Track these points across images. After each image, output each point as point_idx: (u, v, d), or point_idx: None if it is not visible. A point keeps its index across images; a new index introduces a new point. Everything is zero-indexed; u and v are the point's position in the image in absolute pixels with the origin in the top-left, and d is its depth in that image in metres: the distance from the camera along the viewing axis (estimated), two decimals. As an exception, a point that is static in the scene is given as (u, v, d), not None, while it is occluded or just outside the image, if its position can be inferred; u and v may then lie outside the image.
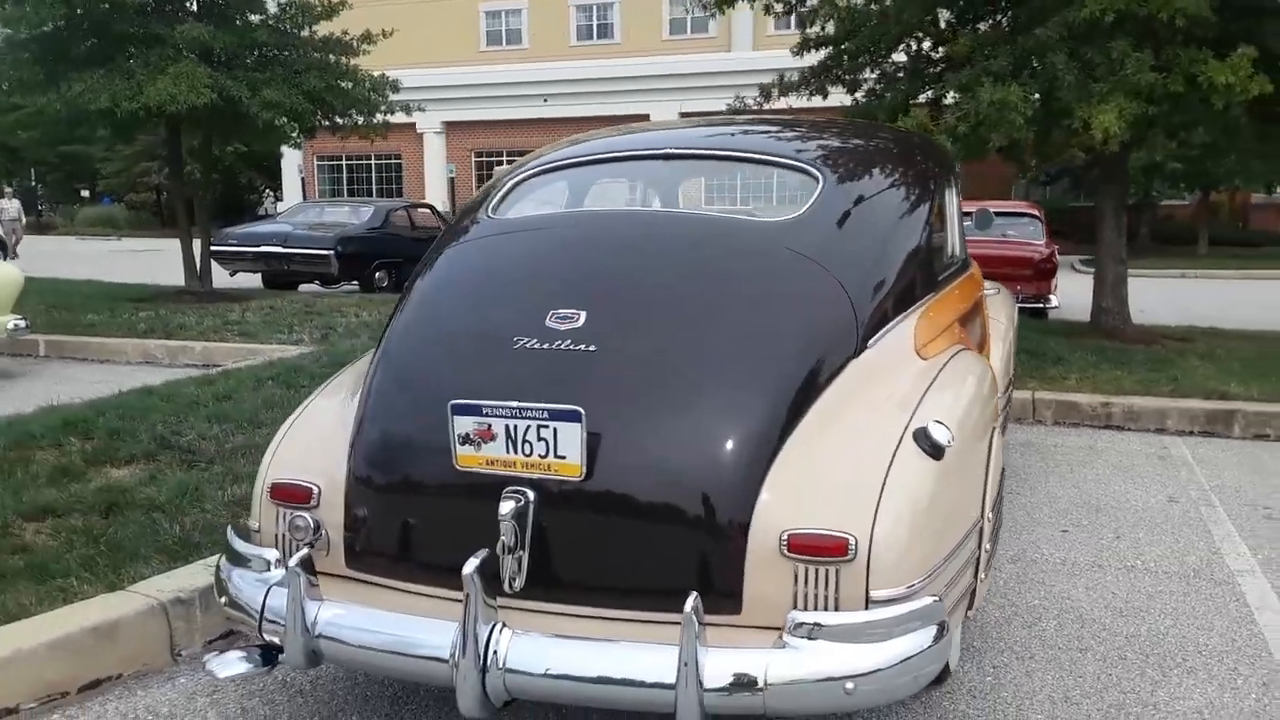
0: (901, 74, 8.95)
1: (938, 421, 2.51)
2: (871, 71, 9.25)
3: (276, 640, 2.58)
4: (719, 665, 2.19)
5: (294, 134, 13.07)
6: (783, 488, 2.37)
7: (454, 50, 38.75)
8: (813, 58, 10.06)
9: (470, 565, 2.29)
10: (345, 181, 41.94)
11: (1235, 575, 4.00)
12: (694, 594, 2.22)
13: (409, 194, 38.12)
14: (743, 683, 2.19)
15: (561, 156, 3.41)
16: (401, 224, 16.42)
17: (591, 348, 2.55)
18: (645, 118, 36.84)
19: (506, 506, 2.38)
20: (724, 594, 2.34)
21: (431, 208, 18.77)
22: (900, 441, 2.48)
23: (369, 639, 2.45)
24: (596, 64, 37.41)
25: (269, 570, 2.65)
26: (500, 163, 39.80)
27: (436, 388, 2.62)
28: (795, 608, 2.31)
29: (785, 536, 2.31)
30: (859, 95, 9.34)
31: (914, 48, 8.97)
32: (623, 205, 3.36)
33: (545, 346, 2.58)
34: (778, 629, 2.30)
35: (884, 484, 2.37)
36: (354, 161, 40.02)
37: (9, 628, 3.09)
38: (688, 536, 2.38)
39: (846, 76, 9.35)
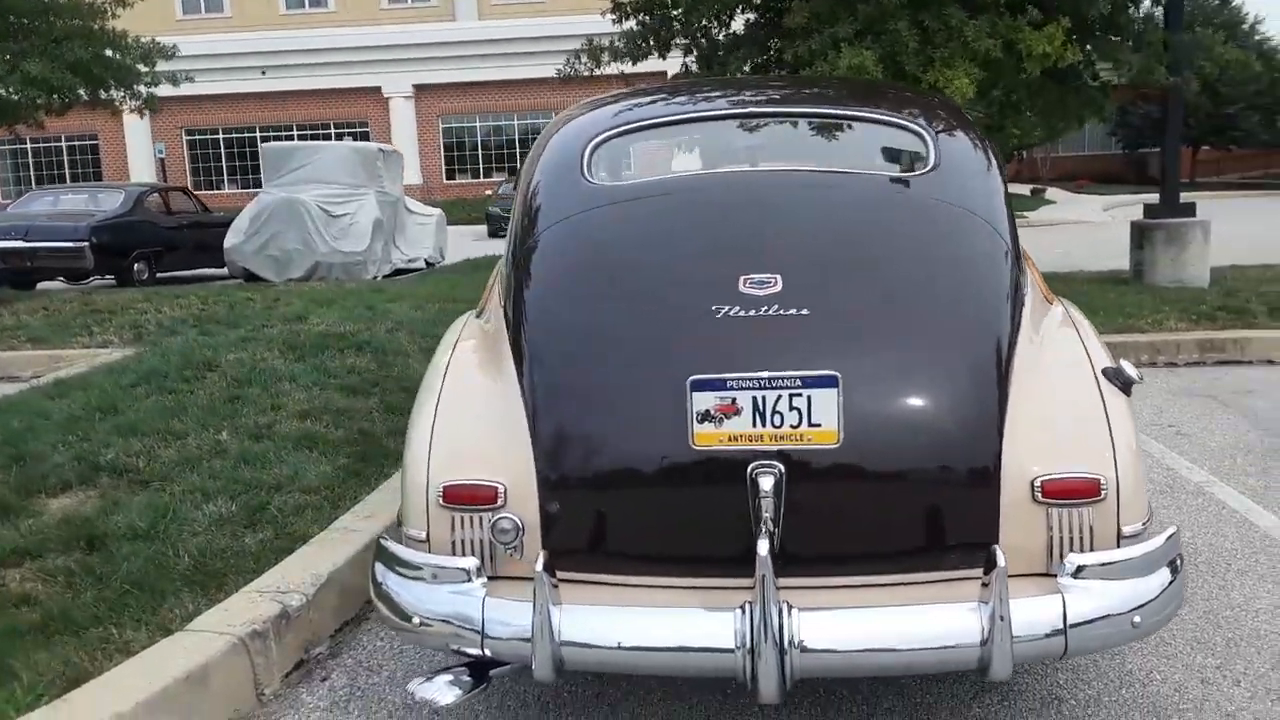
0: (735, 42, 9.12)
1: (1121, 361, 2.64)
2: (701, 38, 9.38)
3: (488, 654, 2.36)
4: (1024, 615, 2.21)
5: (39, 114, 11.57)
6: (1022, 435, 2.40)
7: (146, 20, 35.52)
8: (629, 25, 10.08)
9: (763, 547, 2.18)
10: (31, 169, 37.67)
11: (1202, 486, 4.47)
12: (999, 550, 2.22)
13: (109, 178, 34.71)
14: (1050, 629, 2.23)
15: (643, 117, 3.25)
16: (157, 209, 15.05)
17: (804, 311, 2.47)
18: (377, 90, 35.52)
19: (767, 482, 2.28)
20: (979, 546, 2.36)
21: (186, 190, 17.29)
22: (1098, 381, 2.58)
23: (631, 639, 2.28)
24: (312, 33, 35.51)
25: (470, 580, 2.40)
26: (217, 141, 37.12)
27: (646, 365, 2.46)
28: (1051, 553, 2.36)
29: (1039, 483, 2.35)
30: (689, 60, 9.45)
31: (751, 18, 9.18)
32: (744, 165, 3.25)
33: (753, 313, 2.47)
34: (1034, 574, 2.35)
35: (1109, 422, 2.46)
36: (41, 145, 35.93)
37: (91, 692, 2.63)
38: (941, 493, 2.38)
39: (679, 41, 9.43)
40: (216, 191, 34.62)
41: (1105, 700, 2.77)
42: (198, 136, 37.12)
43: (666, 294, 2.60)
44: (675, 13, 9.14)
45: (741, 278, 2.54)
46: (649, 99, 3.47)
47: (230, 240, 14.24)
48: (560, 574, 2.41)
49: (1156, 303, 8.36)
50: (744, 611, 2.22)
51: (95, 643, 2.90)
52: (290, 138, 32.60)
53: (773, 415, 2.31)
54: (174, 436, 4.80)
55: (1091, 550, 2.36)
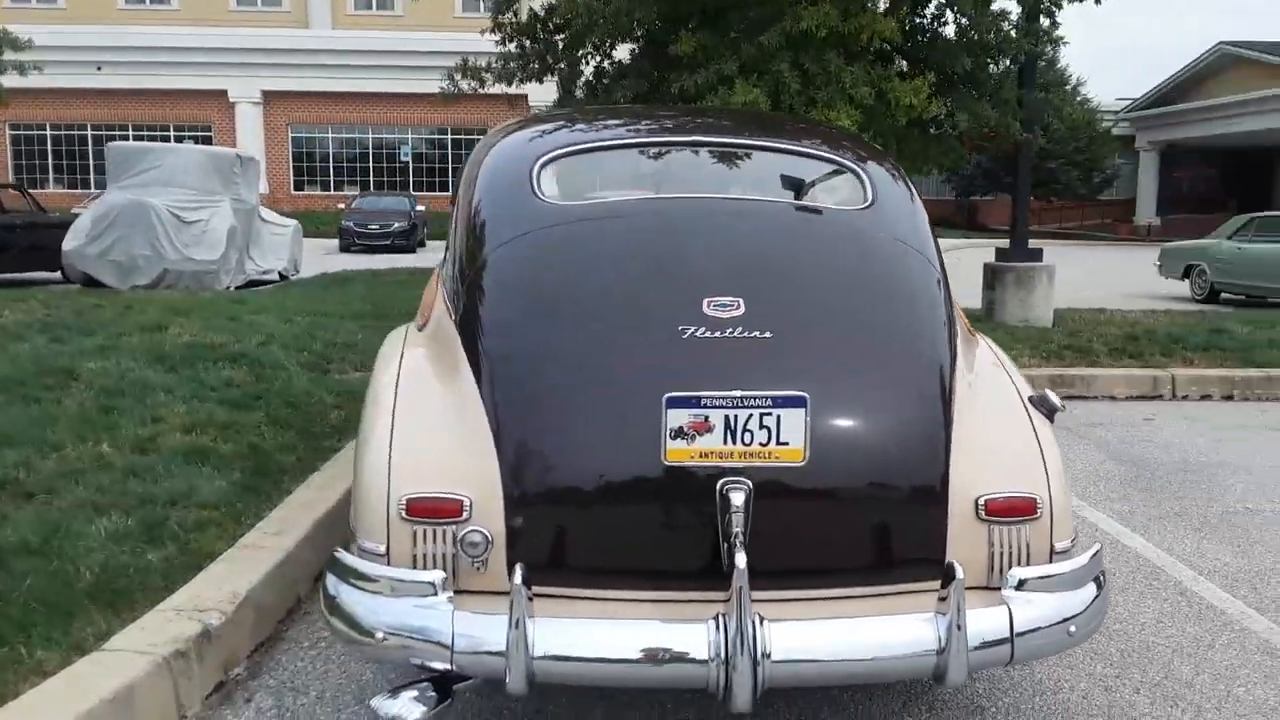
0: (621, 71, 9.25)
1: (1045, 390, 2.84)
2: (586, 64, 9.48)
3: (455, 669, 2.35)
4: (975, 625, 2.34)
5: None
6: (966, 456, 2.55)
7: (-39, 7, 33.32)
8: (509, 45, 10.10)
9: (741, 559, 2.25)
10: None
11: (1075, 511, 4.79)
12: (955, 564, 2.34)
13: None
14: (999, 638, 2.37)
15: (590, 139, 3.30)
16: (-12, 208, 14.07)
17: (767, 334, 2.56)
18: (222, 94, 34.22)
19: (738, 498, 2.35)
20: (929, 561, 2.49)
21: (19, 187, 16.22)
22: (1026, 407, 2.77)
23: (605, 651, 2.30)
24: (153, 30, 33.97)
25: (437, 594, 2.37)
26: (44, 137, 34.96)
27: (616, 381, 2.50)
28: (992, 567, 2.51)
29: (982, 501, 2.50)
30: (577, 86, 9.53)
31: (634, 48, 9.32)
32: (691, 191, 3.30)
33: (718, 334, 2.55)
34: (976, 588, 2.49)
35: (1040, 446, 2.65)
36: None
37: (12, 715, 2.46)
38: (896, 510, 2.50)
39: (560, 66, 9.51)
40: (41, 190, 32.49)
41: (1023, 707, 2.95)
42: (23, 132, 34.93)
43: (631, 313, 2.65)
44: (559, 38, 9.22)
45: (705, 300, 2.61)
46: (589, 122, 3.53)
47: (70, 243, 13.44)
48: (535, 588, 2.42)
49: (1010, 340, 8.89)
50: (717, 623, 2.28)
51: (4, 663, 2.72)
52: (126, 138, 31.11)
53: (743, 433, 2.39)
54: (50, 448, 4.52)
55: (1028, 565, 2.52)
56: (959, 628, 2.29)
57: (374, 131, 35.39)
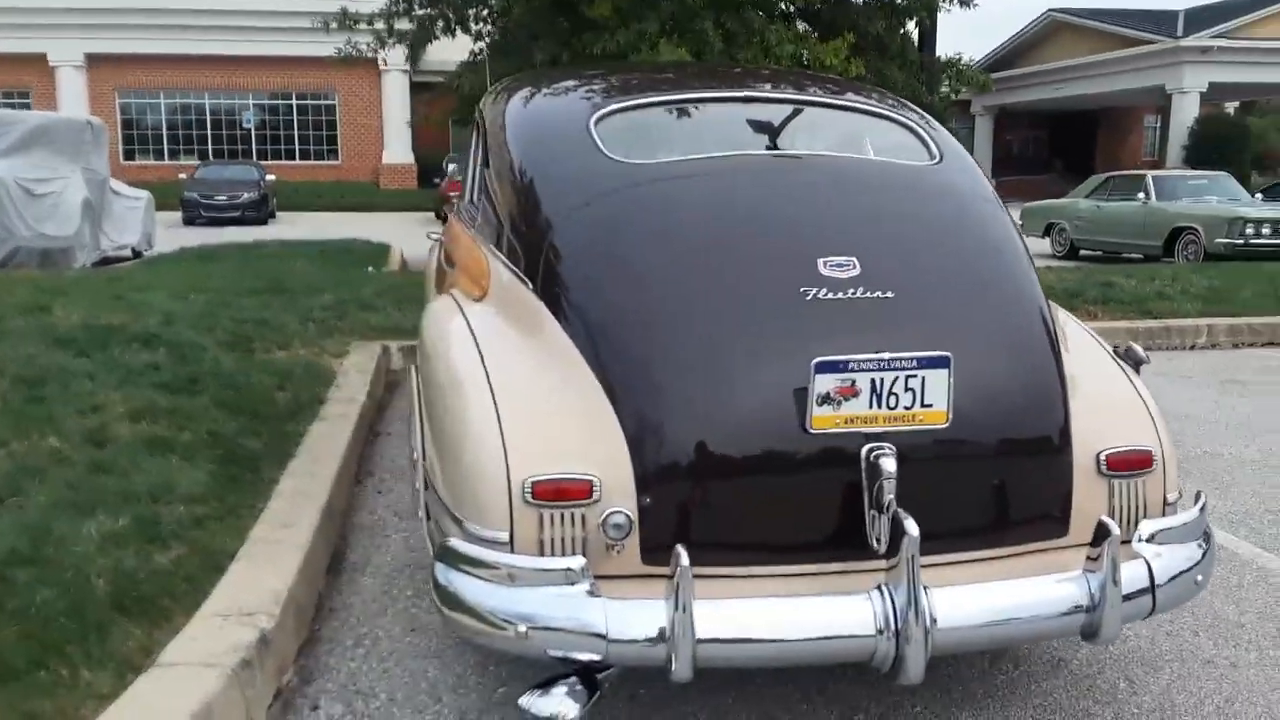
0: (533, 32, 8.95)
1: (1130, 343, 2.86)
2: (486, 23, 9.14)
3: (607, 660, 2.20)
4: (1126, 578, 2.33)
5: None
6: (1083, 410, 2.54)
7: None
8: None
9: (913, 527, 2.16)
10: None
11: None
12: (1109, 521, 2.31)
13: None
14: (1140, 589, 2.37)
15: (645, 93, 3.13)
16: None
17: (889, 294, 2.48)
18: (41, 58, 31.69)
19: (889, 464, 2.27)
20: (1056, 518, 2.48)
21: None
22: (1116, 360, 2.79)
23: (770, 631, 2.19)
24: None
25: (579, 581, 2.21)
26: None
27: (752, 348, 2.38)
28: (1117, 521, 2.51)
29: (1104, 456, 2.50)
30: (478, 49, 9.19)
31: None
32: (764, 149, 3.15)
33: (841, 295, 2.45)
34: (1089, 544, 2.49)
35: (1142, 398, 2.66)
36: None
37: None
38: (1027, 469, 2.47)
39: (458, 26, 9.15)
40: None
41: (1101, 656, 2.99)
42: None
43: (749, 276, 2.52)
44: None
45: (819, 260, 2.51)
46: (620, 76, 3.36)
47: (-98, 220, 12.22)
48: (656, 568, 2.29)
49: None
50: (882, 593, 2.20)
51: (50, 688, 2.41)
52: (-71, 106, 28.47)
53: (888, 396, 2.31)
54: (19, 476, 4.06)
55: (1146, 518, 2.54)
56: (1115, 583, 2.28)
57: (211, 97, 33.49)
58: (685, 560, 2.12)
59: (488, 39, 9.11)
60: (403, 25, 9.68)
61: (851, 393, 2.29)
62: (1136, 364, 2.81)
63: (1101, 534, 2.30)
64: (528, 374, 2.51)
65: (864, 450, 2.30)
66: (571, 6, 8.75)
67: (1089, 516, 2.48)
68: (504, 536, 2.29)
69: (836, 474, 2.31)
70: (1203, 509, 2.61)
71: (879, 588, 2.21)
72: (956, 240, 2.74)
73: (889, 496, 2.27)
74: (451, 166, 6.12)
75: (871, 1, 8.67)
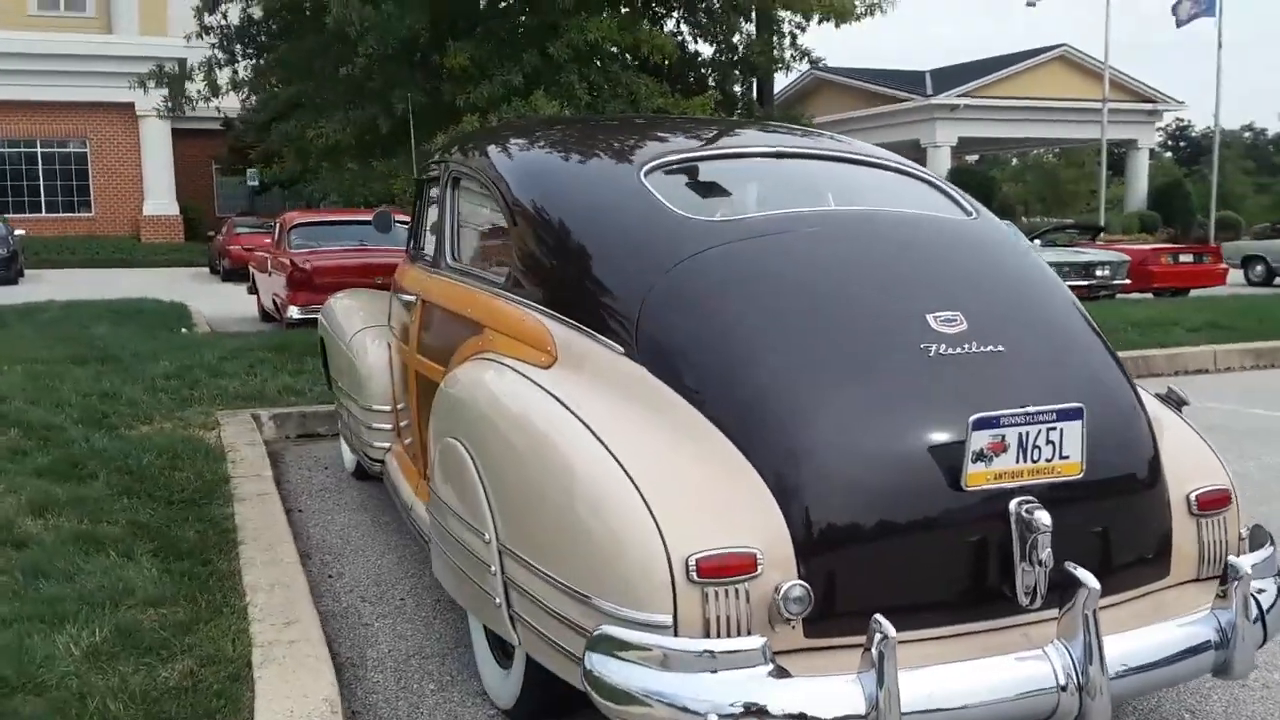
0: (389, 81, 8.62)
1: (1168, 385, 3.02)
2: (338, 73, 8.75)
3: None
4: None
5: None
6: (1168, 453, 2.66)
7: None
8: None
9: (1090, 579, 2.19)
10: None
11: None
12: (1236, 561, 2.42)
13: None
14: (1256, 619, 2.47)
15: (689, 147, 3.06)
16: None
17: (1000, 348, 2.51)
18: None
19: (1043, 518, 2.28)
20: (1160, 560, 2.57)
21: None
22: (1164, 403, 2.94)
23: (962, 697, 2.14)
24: None
25: (766, 661, 2.08)
26: None
27: (898, 406, 2.35)
28: (1202, 560, 2.63)
29: (1194, 496, 2.62)
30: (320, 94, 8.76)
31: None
32: (825, 205, 3.09)
33: (959, 350, 2.47)
34: (1185, 581, 2.60)
35: (1202, 438, 2.82)
36: None
37: None
38: (1141, 512, 2.55)
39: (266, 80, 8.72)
40: None
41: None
42: None
43: (867, 332, 2.50)
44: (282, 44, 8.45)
45: (928, 315, 2.52)
46: (636, 131, 3.28)
47: None
48: (818, 640, 2.22)
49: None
50: (1059, 647, 2.20)
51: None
52: None
53: (1032, 449, 2.33)
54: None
55: (1228, 554, 2.66)
56: (1248, 619, 2.38)
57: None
58: (891, 630, 2.05)
59: (332, 83, 8.67)
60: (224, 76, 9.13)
61: (1001, 448, 2.30)
62: (1179, 405, 2.97)
63: (1231, 573, 2.40)
64: (654, 444, 2.38)
65: (1012, 505, 2.31)
66: (424, 57, 8.54)
67: (1184, 556, 2.60)
68: (666, 620, 2.15)
69: (987, 531, 2.31)
70: (1274, 544, 2.76)
71: (1056, 640, 2.21)
72: (1029, 291, 2.82)
73: (1045, 550, 2.28)
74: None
75: (723, 59, 8.94)
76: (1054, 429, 2.34)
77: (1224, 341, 9.80)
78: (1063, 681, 2.17)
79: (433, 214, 4.42)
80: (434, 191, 4.32)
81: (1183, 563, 2.59)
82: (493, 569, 2.61)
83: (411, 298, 3.80)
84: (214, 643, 2.99)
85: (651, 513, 2.20)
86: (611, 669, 2.13)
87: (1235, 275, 18.53)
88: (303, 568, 3.95)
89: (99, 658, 2.81)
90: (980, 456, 2.28)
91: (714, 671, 2.08)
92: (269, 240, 19.47)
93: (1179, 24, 21.42)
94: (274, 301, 12.37)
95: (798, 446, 2.31)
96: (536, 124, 3.46)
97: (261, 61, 9.30)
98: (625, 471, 2.29)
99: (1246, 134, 60.66)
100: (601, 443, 2.38)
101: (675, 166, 3.03)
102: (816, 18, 8.53)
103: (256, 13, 9.01)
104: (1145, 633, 2.37)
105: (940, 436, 2.31)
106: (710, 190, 3.06)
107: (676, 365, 2.49)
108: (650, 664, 2.10)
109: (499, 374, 2.82)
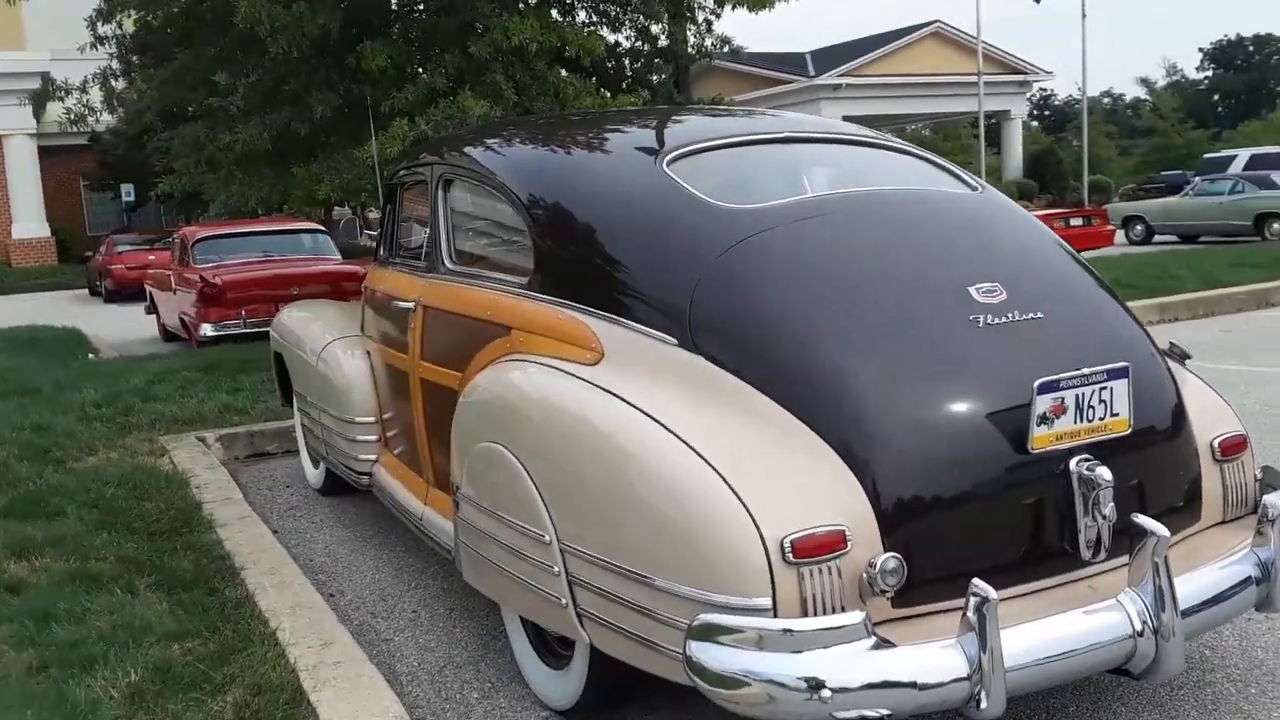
0: (306, 84, 8.36)
1: (1170, 340, 3.17)
2: (247, 78, 8.47)
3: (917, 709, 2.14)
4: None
5: None
6: (1189, 404, 2.79)
7: None
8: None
9: (1160, 529, 2.29)
10: None
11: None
12: (1270, 501, 2.56)
13: None
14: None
15: (704, 134, 3.11)
16: None
17: (1039, 314, 2.60)
18: None
19: (1104, 473, 2.38)
20: (1193, 506, 2.70)
21: None
22: (1171, 354, 3.07)
23: (1051, 649, 2.23)
24: None
25: (867, 635, 2.13)
26: None
27: (963, 375, 2.42)
28: (1226, 503, 2.77)
29: (1217, 443, 2.76)
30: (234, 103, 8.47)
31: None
32: (849, 186, 3.11)
33: (1005, 319, 2.55)
34: (1211, 525, 2.75)
35: (1213, 389, 2.97)
36: None
37: None
38: (1177, 461, 2.67)
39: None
40: None
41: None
42: None
43: (918, 307, 2.57)
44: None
45: (971, 288, 2.60)
46: (636, 121, 3.29)
47: None
48: (906, 609, 2.28)
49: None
50: (1132, 595, 2.30)
51: None
52: None
53: (1087, 409, 2.43)
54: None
55: (1250, 497, 2.81)
56: (1292, 554, 2.52)
57: None
58: (991, 592, 2.12)
59: (242, 88, 8.36)
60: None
61: (1061, 410, 2.40)
62: (1183, 358, 3.11)
63: (1272, 511, 2.54)
64: (725, 430, 2.40)
65: (1072, 464, 2.41)
66: (339, 58, 8.31)
67: (1212, 500, 2.74)
68: (766, 603, 2.18)
69: (1052, 490, 2.41)
70: None
71: (1126, 590, 2.31)
72: (1051, 257, 2.93)
73: (1108, 505, 2.39)
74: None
75: (643, 49, 8.94)
76: (1105, 388, 2.45)
77: (1132, 299, 10.26)
78: (1139, 627, 2.27)
79: (408, 217, 4.35)
80: (411, 195, 4.25)
81: (1211, 506, 2.73)
82: (555, 569, 2.60)
83: (408, 304, 3.73)
84: (256, 671, 2.90)
85: (739, 497, 2.23)
86: (716, 655, 2.15)
87: (1118, 236, 19.38)
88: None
89: (143, 698, 2.71)
90: (1044, 419, 2.37)
91: (825, 647, 2.11)
92: (153, 257, 18.82)
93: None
94: (181, 320, 11.96)
95: (871, 422, 2.36)
96: (525, 123, 3.43)
97: (156, 71, 8.93)
98: (703, 459, 2.31)
99: (1106, 100, 63.38)
100: (672, 432, 2.39)
101: (693, 154, 3.05)
102: (730, 4, 8.59)
103: (153, 21, 8.64)
104: (1198, 574, 2.49)
105: (1002, 403, 2.39)
106: (731, 177, 3.08)
107: (735, 351, 2.52)
108: (756, 646, 2.13)
109: (543, 374, 2.80)
